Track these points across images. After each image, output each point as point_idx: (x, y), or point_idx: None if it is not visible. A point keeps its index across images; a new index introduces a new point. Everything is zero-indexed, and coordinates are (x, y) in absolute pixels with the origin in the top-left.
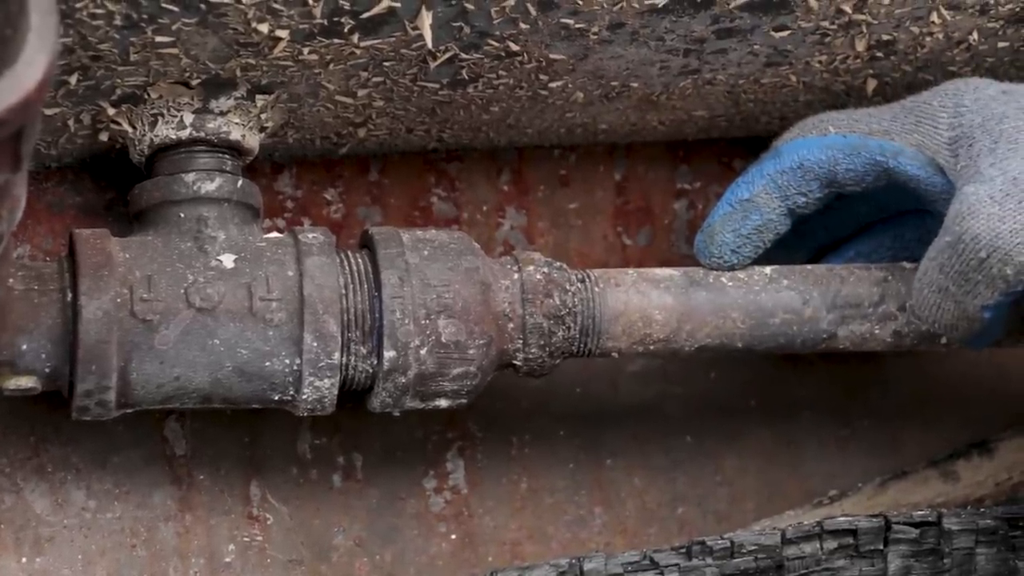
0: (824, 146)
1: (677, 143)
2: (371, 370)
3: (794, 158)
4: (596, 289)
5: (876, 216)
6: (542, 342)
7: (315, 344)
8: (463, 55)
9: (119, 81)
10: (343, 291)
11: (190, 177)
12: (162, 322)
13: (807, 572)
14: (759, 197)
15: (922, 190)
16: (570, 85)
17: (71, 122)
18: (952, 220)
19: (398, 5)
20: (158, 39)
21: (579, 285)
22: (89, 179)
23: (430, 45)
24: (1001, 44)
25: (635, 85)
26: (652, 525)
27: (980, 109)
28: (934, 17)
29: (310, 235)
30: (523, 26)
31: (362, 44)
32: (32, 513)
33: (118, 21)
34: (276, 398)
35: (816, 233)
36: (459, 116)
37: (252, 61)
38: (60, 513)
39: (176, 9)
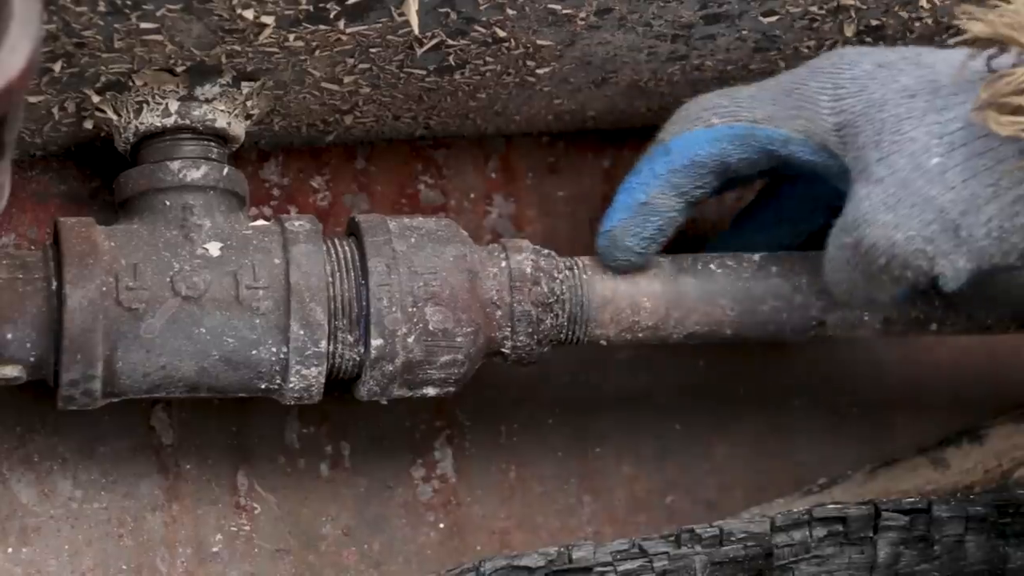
0: (713, 139)
1: None
2: (358, 358)
3: (685, 155)
4: (584, 276)
5: (767, 178)
6: (530, 330)
7: (302, 332)
8: (450, 41)
9: (104, 68)
10: (330, 279)
11: (175, 165)
12: (148, 311)
13: (796, 559)
14: (657, 199)
15: (818, 171)
16: (558, 71)
17: (55, 110)
18: (850, 223)
19: None
20: (142, 26)
21: (567, 272)
22: (74, 167)
23: (416, 31)
24: None
25: (623, 71)
26: (641, 513)
27: (859, 92)
28: (923, 1)
29: (296, 223)
30: (510, 12)
31: (348, 30)
32: (18, 503)
33: (102, 8)
34: (263, 387)
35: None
36: (446, 103)
37: (237, 48)
38: (46, 503)
39: None
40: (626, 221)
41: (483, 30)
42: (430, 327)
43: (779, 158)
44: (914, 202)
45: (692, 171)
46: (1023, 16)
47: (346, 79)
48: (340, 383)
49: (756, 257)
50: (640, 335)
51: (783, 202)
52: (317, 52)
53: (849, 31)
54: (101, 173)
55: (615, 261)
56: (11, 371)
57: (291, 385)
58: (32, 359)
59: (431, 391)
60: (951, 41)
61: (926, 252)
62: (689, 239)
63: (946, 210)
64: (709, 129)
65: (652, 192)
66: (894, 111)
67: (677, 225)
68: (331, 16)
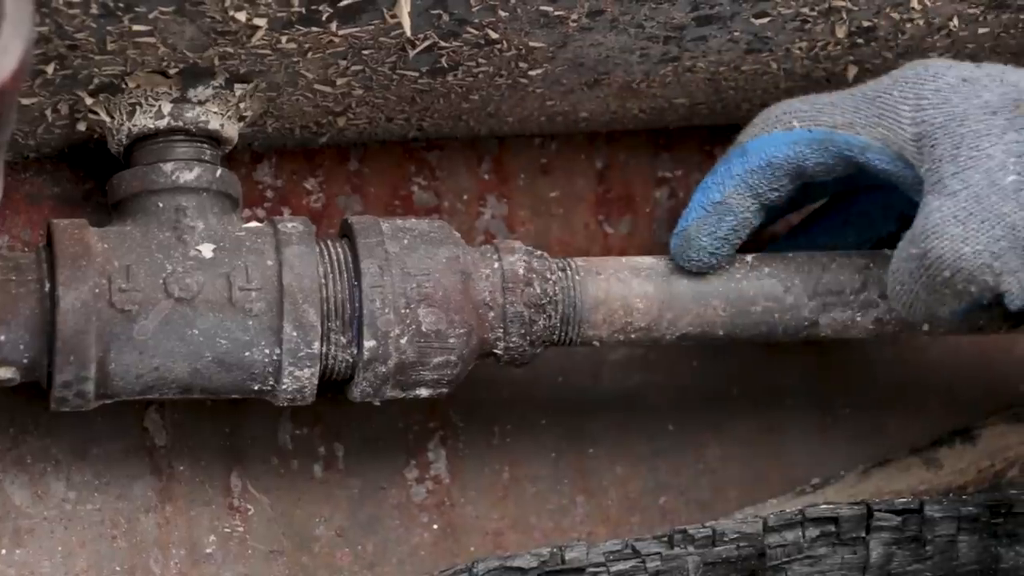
0: (791, 142)
1: (658, 131)
2: (351, 359)
3: (762, 156)
4: (577, 278)
5: (842, 189)
6: (523, 331)
7: (295, 334)
8: (442, 43)
9: (96, 70)
10: (323, 280)
11: (168, 167)
12: (141, 312)
13: (789, 560)
14: (731, 199)
15: (892, 181)
16: (550, 73)
17: (48, 112)
18: (919, 235)
19: None
20: (135, 28)
21: (560, 274)
22: (67, 169)
23: (409, 33)
24: (981, 30)
25: (615, 73)
26: (635, 514)
27: (941, 104)
28: (914, 3)
29: (289, 224)
30: (502, 13)
31: (340, 32)
32: (12, 505)
33: (95, 10)
34: (256, 388)
35: (784, 208)
36: (439, 104)
37: (230, 50)
38: (40, 505)
39: None
40: (701, 220)
41: (475, 32)
42: (423, 328)
43: (856, 165)
44: (985, 217)
45: (768, 172)
46: None
47: (339, 81)
48: (333, 384)
49: (748, 258)
50: (633, 336)
51: (854, 207)
52: (310, 54)
53: (840, 32)
54: (95, 175)
55: (689, 261)
56: (4, 373)
57: (284, 386)
58: (25, 361)
59: (424, 392)
60: None
61: (993, 268)
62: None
63: (1018, 228)
64: (788, 132)
65: (727, 191)
66: (974, 126)
67: (751, 227)
68: (323, 18)
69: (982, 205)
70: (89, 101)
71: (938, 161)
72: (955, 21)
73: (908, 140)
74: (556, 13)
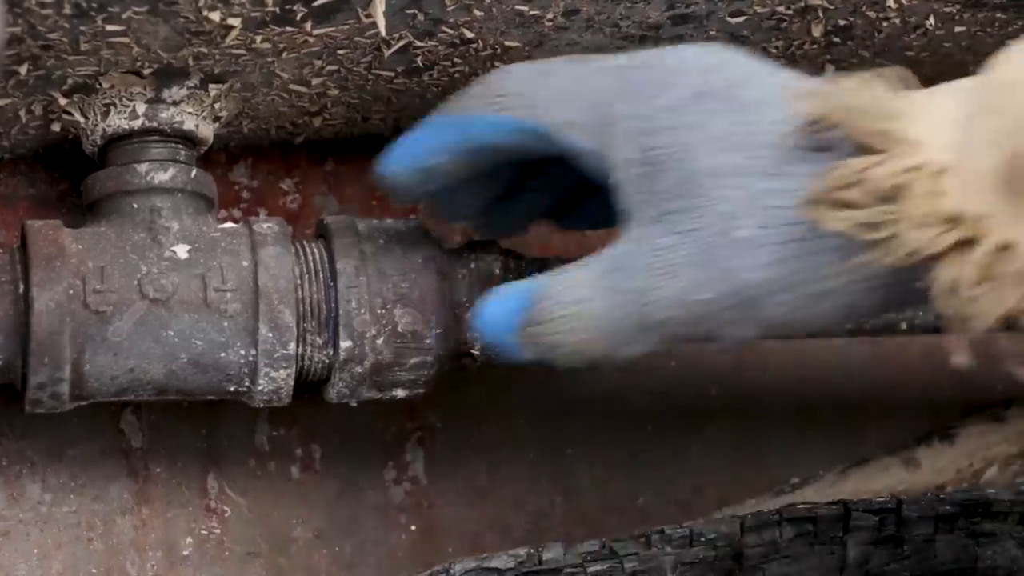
0: (504, 130)
1: None
2: (327, 360)
3: (473, 138)
4: None
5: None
6: None
7: (270, 335)
8: (417, 43)
9: (70, 71)
10: (298, 281)
11: (143, 167)
12: (115, 313)
13: (766, 560)
14: (438, 165)
15: (580, 166)
16: None
17: (22, 113)
18: (641, 267)
19: None
20: (109, 28)
21: (537, 274)
22: (42, 170)
23: (384, 33)
24: (958, 28)
25: None
26: (613, 515)
27: (672, 130)
28: (890, 2)
29: (265, 225)
30: (477, 13)
31: (315, 32)
32: None
33: (67, 10)
34: (232, 389)
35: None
36: (415, 104)
37: (204, 50)
38: (15, 507)
39: None
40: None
41: (450, 31)
42: (399, 329)
43: (553, 151)
44: (719, 269)
45: (477, 154)
46: (859, 98)
47: (314, 81)
48: (309, 385)
49: None
50: None
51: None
52: (284, 54)
53: (817, 31)
54: (70, 176)
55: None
56: None
57: (260, 387)
58: None
59: (401, 393)
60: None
61: (716, 318)
62: None
63: (749, 287)
64: (500, 116)
65: (433, 160)
66: (708, 162)
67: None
68: (298, 18)
69: (716, 255)
70: (63, 102)
71: (666, 192)
72: (931, 20)
73: (634, 162)
74: (531, 12)
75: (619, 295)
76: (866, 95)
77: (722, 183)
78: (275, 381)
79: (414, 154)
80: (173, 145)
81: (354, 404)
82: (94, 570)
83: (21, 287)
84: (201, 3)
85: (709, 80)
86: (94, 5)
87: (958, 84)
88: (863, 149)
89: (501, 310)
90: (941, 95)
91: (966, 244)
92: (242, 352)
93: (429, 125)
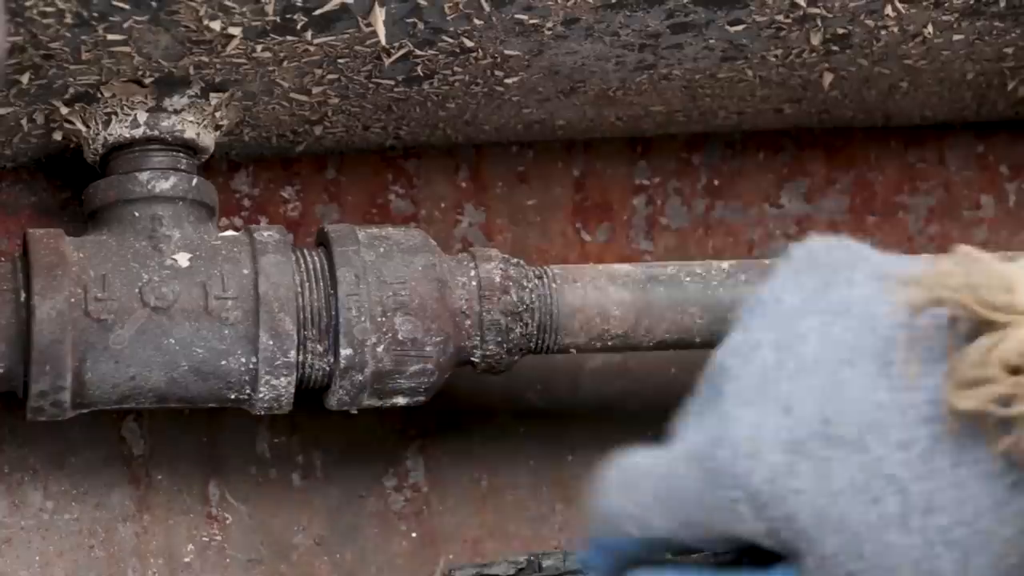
0: (637, 545)
1: (635, 139)
2: (328, 368)
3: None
4: (554, 285)
5: None
6: (500, 339)
7: (271, 342)
8: (417, 52)
9: (72, 80)
10: (299, 289)
11: (144, 176)
12: (117, 321)
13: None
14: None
15: None
16: (526, 81)
17: (24, 121)
18: None
19: (351, 1)
20: (110, 37)
21: (537, 281)
22: (44, 179)
23: (384, 42)
24: (956, 37)
25: (591, 81)
26: None
27: (782, 506)
28: (888, 10)
29: (265, 233)
30: (477, 22)
31: (315, 41)
32: None
33: (69, 19)
34: (233, 397)
35: None
36: (415, 113)
37: (205, 59)
38: (17, 514)
39: (127, 7)
40: None
41: (450, 40)
42: (399, 336)
43: None
44: None
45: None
46: (960, 276)
47: (314, 90)
48: (310, 393)
49: (725, 265)
50: (610, 343)
51: None
52: (285, 63)
53: (815, 40)
54: (71, 184)
55: None
56: None
57: (261, 395)
58: (1, 370)
59: (401, 400)
60: None
61: None
62: None
63: None
64: (629, 539)
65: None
66: (860, 519)
67: None
68: (298, 27)
69: None
70: (65, 111)
71: (834, 556)
72: (930, 28)
73: (761, 533)
74: (531, 21)
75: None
76: (977, 270)
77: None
78: (276, 389)
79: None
80: (174, 154)
81: (355, 412)
82: None
83: (23, 295)
84: (202, 12)
85: (798, 434)
86: (95, 14)
87: None
88: (984, 325)
89: None
90: None
91: None
92: (243, 360)
93: (589, 555)
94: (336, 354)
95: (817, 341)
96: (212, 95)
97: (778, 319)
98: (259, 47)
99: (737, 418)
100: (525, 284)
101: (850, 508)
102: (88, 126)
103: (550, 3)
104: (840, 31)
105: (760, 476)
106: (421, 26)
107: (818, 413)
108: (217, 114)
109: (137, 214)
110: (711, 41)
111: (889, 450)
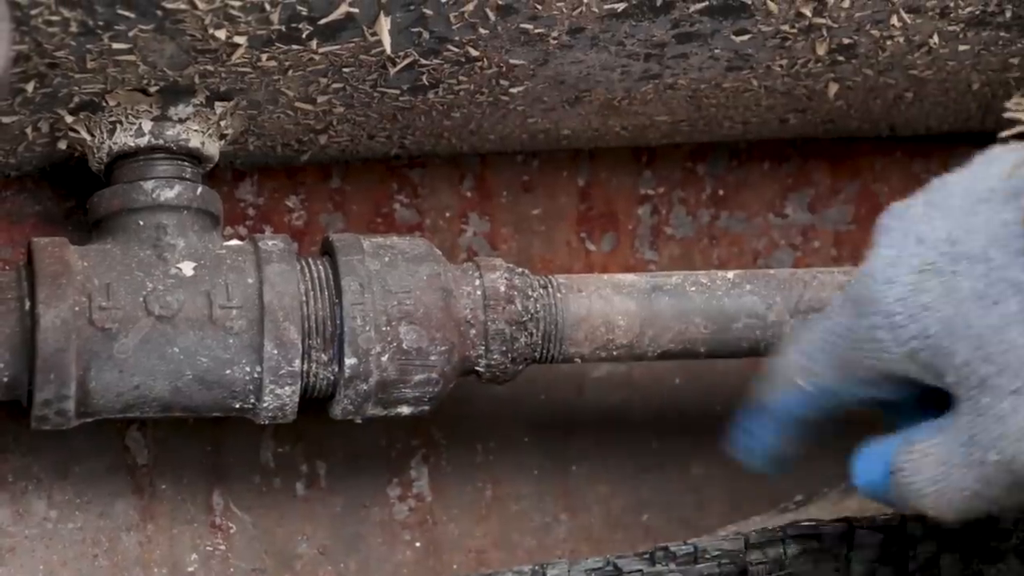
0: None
1: (640, 148)
2: (332, 377)
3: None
4: (559, 295)
5: None
6: (504, 348)
7: (275, 352)
8: (423, 61)
9: (77, 89)
10: (304, 298)
11: (149, 185)
12: (121, 330)
13: None
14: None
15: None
16: (531, 90)
17: (29, 130)
18: (995, 439)
19: (356, 11)
20: (115, 46)
21: (541, 291)
22: (48, 188)
23: (389, 51)
24: (962, 47)
25: (597, 90)
26: (618, 532)
27: (924, 314)
28: (894, 20)
29: (270, 242)
30: (482, 31)
31: (321, 50)
32: None
33: (74, 28)
34: (237, 406)
35: None
36: (420, 122)
37: (210, 68)
38: (21, 524)
39: (132, 16)
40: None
41: (456, 49)
42: (404, 346)
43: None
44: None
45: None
46: None
47: (320, 99)
48: (314, 402)
49: (730, 275)
50: (615, 353)
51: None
52: (290, 72)
53: (821, 50)
54: (76, 193)
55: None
56: None
57: (265, 404)
58: (5, 379)
59: (406, 410)
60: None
61: None
62: None
63: None
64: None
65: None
66: (983, 322)
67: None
68: (303, 36)
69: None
70: (69, 119)
71: (965, 366)
72: (935, 38)
73: (905, 363)
74: (536, 31)
75: (984, 467)
76: None
77: (1013, 331)
78: (280, 398)
79: (762, 447)
80: (179, 162)
81: (359, 421)
82: None
83: (27, 304)
84: (207, 21)
85: (927, 256)
86: (100, 23)
87: None
88: None
89: (868, 472)
90: None
91: None
92: (247, 369)
93: (751, 422)
94: (340, 363)
95: (961, 193)
96: (217, 104)
97: (931, 188)
98: (264, 56)
99: (880, 254)
100: (530, 294)
101: (973, 312)
102: (93, 135)
103: (555, 12)
104: (846, 41)
105: (893, 296)
106: (426, 35)
107: (946, 236)
108: (222, 123)
109: (142, 223)
110: (716, 51)
111: (1010, 258)
